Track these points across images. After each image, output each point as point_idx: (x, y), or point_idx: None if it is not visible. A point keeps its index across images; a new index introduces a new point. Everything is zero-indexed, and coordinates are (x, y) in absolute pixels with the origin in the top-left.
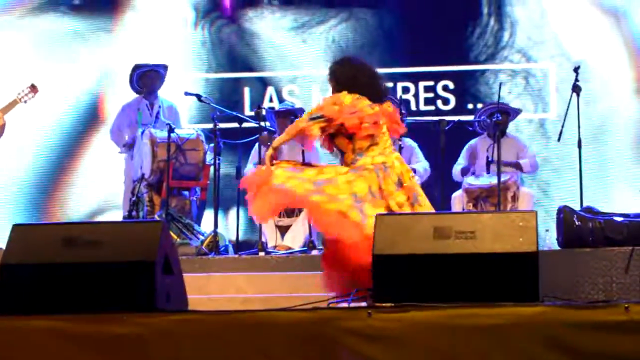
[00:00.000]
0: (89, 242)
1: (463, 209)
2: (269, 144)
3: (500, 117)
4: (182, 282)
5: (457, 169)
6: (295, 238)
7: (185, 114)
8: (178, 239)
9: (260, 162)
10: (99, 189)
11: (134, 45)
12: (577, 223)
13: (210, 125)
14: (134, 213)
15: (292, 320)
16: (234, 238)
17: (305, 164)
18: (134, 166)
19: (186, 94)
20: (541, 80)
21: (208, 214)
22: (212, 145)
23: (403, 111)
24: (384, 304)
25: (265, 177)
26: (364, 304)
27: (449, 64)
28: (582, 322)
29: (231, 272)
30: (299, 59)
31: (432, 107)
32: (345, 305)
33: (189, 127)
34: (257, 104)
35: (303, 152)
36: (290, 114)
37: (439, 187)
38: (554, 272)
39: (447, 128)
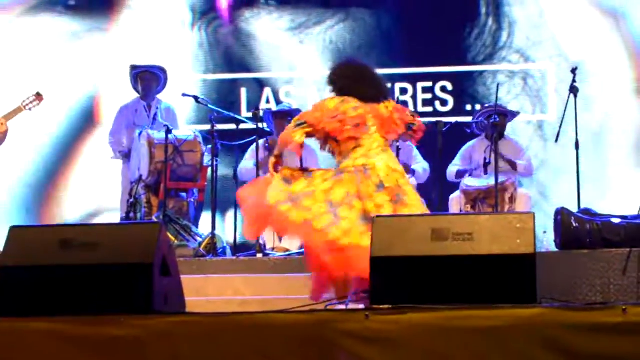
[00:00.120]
0: (86, 244)
1: (461, 211)
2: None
3: (498, 119)
4: (180, 284)
5: (452, 169)
6: (293, 240)
7: (183, 115)
8: (176, 241)
9: (259, 162)
10: (96, 191)
11: (130, 46)
12: (574, 225)
13: (208, 127)
14: (131, 214)
15: (289, 322)
16: (231, 240)
17: (303, 169)
18: (132, 168)
19: (184, 95)
20: (539, 81)
21: (206, 216)
22: (209, 146)
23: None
24: (381, 306)
25: (257, 192)
26: (361, 305)
27: (447, 65)
28: (579, 324)
29: (229, 274)
30: (295, 59)
31: (430, 109)
32: (342, 307)
33: (186, 128)
34: (253, 105)
35: (301, 157)
36: (288, 115)
37: (437, 188)
38: (552, 274)
39: (444, 129)
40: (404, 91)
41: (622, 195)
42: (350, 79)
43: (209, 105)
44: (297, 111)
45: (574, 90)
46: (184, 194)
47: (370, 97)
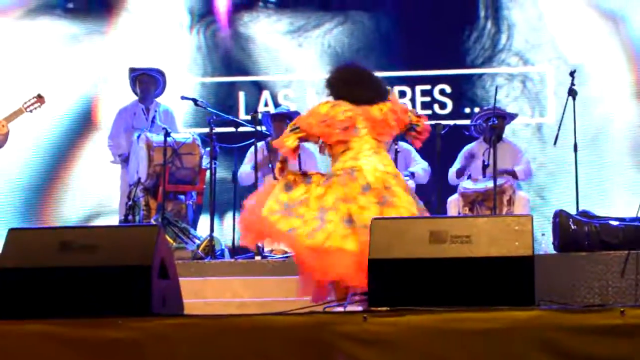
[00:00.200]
0: (84, 246)
1: (459, 213)
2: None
3: (496, 121)
4: (178, 286)
5: (452, 172)
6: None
7: (181, 118)
8: (174, 243)
9: (257, 164)
10: (94, 194)
11: (129, 48)
12: (573, 227)
13: (206, 130)
14: (130, 217)
15: (288, 324)
16: (230, 242)
17: (304, 173)
18: (130, 170)
19: (183, 98)
20: (538, 83)
21: (204, 218)
22: (208, 149)
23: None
24: (379, 308)
25: (257, 201)
26: (359, 308)
27: (446, 68)
28: (578, 326)
29: (227, 277)
30: (294, 63)
31: (429, 112)
32: (341, 309)
33: (185, 131)
34: (252, 108)
35: (299, 160)
36: (286, 118)
37: (435, 191)
38: (550, 276)
39: (443, 132)
40: (402, 94)
41: (621, 197)
42: (344, 82)
43: (208, 108)
44: (296, 114)
45: (572, 93)
46: (182, 197)
47: (363, 99)
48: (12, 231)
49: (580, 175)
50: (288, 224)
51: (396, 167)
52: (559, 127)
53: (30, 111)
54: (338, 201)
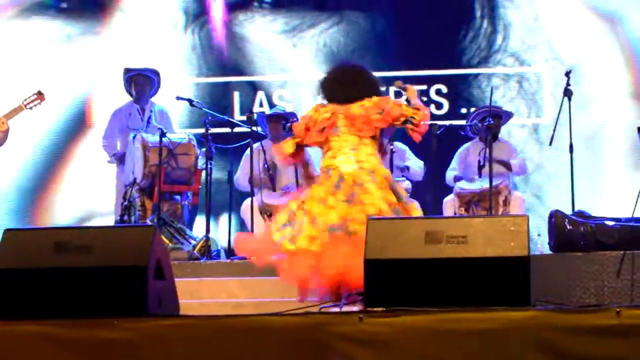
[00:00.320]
0: (80, 246)
1: (455, 214)
2: None
3: (492, 121)
4: (174, 286)
5: (450, 174)
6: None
7: (177, 118)
8: (170, 244)
9: (252, 169)
10: (89, 194)
11: (123, 48)
12: (568, 227)
13: (202, 130)
14: (125, 217)
15: (284, 325)
16: (225, 243)
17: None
18: (126, 171)
19: (178, 98)
20: (535, 84)
21: (200, 219)
22: (203, 149)
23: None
24: (375, 309)
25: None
26: (355, 308)
27: (442, 68)
28: (573, 327)
29: (223, 277)
30: (289, 63)
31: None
32: (337, 309)
33: (180, 131)
34: (246, 109)
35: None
36: (282, 119)
37: (431, 191)
38: (546, 277)
39: (438, 132)
40: (398, 94)
41: (616, 197)
42: (330, 83)
43: (203, 109)
44: (291, 115)
45: (568, 93)
46: (178, 197)
47: (344, 98)
48: (7, 232)
49: (577, 176)
50: (280, 234)
51: (391, 167)
52: (555, 127)
53: (30, 108)
54: (313, 201)
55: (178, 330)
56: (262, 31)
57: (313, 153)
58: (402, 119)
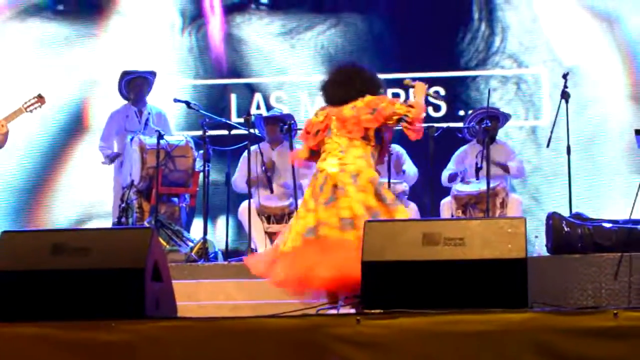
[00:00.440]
0: (77, 249)
1: (452, 216)
2: None
3: (489, 123)
4: (172, 289)
5: (445, 174)
6: None
7: (174, 120)
8: (167, 246)
9: (250, 171)
10: (87, 196)
11: (120, 51)
12: (566, 229)
13: (199, 132)
14: (123, 220)
15: (281, 327)
16: (223, 245)
17: None
18: (123, 173)
19: (175, 100)
20: (533, 86)
21: (197, 221)
22: (201, 152)
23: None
24: (372, 311)
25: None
26: (353, 310)
27: (440, 70)
28: (571, 328)
29: (220, 279)
30: (286, 65)
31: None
32: (334, 311)
33: (178, 134)
34: (244, 111)
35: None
36: (279, 121)
37: (428, 193)
38: (543, 279)
39: (436, 134)
40: (396, 96)
41: (614, 199)
42: (327, 85)
43: (201, 111)
44: (289, 117)
45: (565, 95)
46: (175, 199)
47: (341, 100)
48: (4, 234)
49: (574, 178)
50: (281, 239)
51: (389, 169)
52: (552, 129)
53: (31, 111)
54: (301, 204)
55: (176, 332)
56: (259, 33)
57: None
58: (395, 117)
